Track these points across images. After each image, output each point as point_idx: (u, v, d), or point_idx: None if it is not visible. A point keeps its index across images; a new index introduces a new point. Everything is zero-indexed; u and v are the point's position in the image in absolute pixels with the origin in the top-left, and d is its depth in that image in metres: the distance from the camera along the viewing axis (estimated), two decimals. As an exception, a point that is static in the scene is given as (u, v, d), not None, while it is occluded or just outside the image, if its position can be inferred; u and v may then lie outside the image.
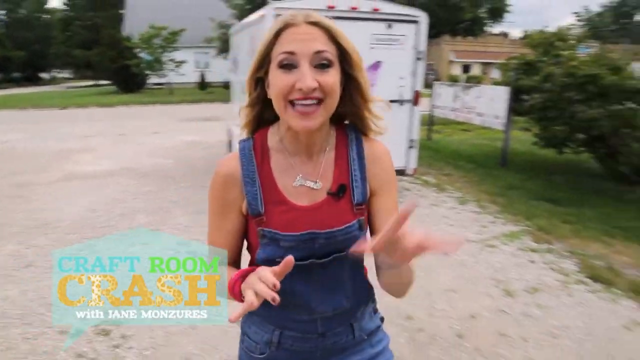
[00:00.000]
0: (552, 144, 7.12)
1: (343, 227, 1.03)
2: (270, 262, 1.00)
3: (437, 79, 21.67)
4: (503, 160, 8.00)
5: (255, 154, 1.05)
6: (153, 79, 26.67)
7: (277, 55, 0.95)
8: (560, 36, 7.90)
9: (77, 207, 5.59)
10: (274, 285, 0.81)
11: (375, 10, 5.35)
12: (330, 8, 5.30)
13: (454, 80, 26.29)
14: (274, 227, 1.02)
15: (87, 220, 5.12)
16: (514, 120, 7.98)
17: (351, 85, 1.03)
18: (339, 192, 1.04)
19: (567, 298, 3.53)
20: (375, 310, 1.25)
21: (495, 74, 24.58)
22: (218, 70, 29.15)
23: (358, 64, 1.00)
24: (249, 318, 1.18)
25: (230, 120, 8.02)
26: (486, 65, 36.87)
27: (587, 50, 8.64)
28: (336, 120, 1.08)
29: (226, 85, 23.93)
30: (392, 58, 5.51)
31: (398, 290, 1.04)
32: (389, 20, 5.38)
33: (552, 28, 8.78)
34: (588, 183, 6.85)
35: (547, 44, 7.67)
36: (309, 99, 0.92)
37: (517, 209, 5.55)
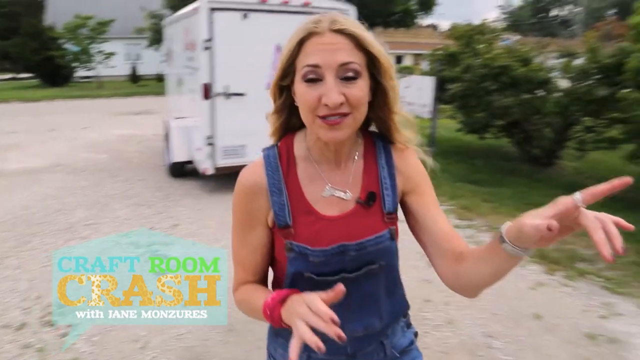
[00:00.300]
0: (474, 130, 7.71)
1: (373, 236, 0.99)
2: (299, 276, 0.98)
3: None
4: (431, 146, 8.52)
5: (280, 163, 1.01)
6: (81, 72, 25.36)
7: (301, 68, 0.90)
8: (480, 29, 8.49)
9: (8, 204, 5.43)
10: (332, 320, 0.75)
11: (306, 4, 5.57)
12: (263, 2, 5.47)
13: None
14: (303, 241, 0.97)
15: (20, 218, 5.01)
16: (441, 109, 8.50)
17: (380, 93, 0.97)
18: (369, 200, 1.00)
19: (483, 266, 3.96)
20: (409, 325, 1.18)
21: (426, 64, 25.53)
22: (150, 62, 28.24)
23: (388, 72, 0.95)
24: (275, 340, 1.13)
25: (167, 113, 7.98)
26: (417, 56, 38.05)
27: (506, 43, 9.33)
28: (363, 124, 1.00)
29: (160, 78, 23.28)
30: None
31: (479, 286, 0.93)
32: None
33: (477, 20, 9.37)
34: (506, 165, 7.49)
35: (468, 37, 8.22)
36: (336, 114, 0.88)
37: (443, 191, 6.01)
